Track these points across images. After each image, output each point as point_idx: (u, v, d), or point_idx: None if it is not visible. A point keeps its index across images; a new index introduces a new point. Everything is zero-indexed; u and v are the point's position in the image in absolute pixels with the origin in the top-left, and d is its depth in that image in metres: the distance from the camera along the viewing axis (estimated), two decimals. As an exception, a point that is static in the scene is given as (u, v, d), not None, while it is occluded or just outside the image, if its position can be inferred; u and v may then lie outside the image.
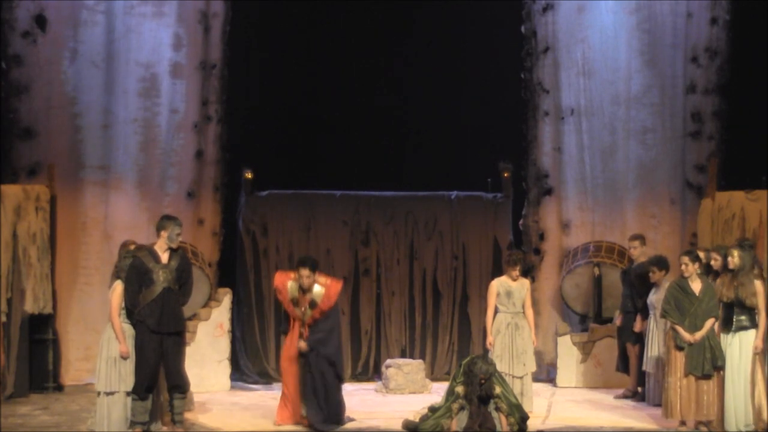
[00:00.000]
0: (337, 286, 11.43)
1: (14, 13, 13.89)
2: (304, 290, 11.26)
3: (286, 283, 11.35)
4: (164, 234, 10.84)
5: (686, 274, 11.21)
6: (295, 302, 11.28)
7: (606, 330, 13.98)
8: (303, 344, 11.25)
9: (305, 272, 11.22)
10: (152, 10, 14.36)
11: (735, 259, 11.12)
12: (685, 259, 11.24)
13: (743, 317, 11.11)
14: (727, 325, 11.16)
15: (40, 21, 13.98)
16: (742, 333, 11.11)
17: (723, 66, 14.77)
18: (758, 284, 11.12)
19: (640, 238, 13.47)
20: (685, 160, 14.86)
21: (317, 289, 11.27)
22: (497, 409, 10.85)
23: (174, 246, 10.86)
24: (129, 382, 10.67)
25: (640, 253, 13.32)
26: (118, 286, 10.75)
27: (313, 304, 11.23)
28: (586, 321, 14.38)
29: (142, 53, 14.35)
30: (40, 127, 14.02)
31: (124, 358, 10.66)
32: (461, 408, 10.87)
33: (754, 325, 11.11)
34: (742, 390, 11.07)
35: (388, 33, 14.92)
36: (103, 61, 14.26)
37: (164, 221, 10.93)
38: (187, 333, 11.39)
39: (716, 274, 11.48)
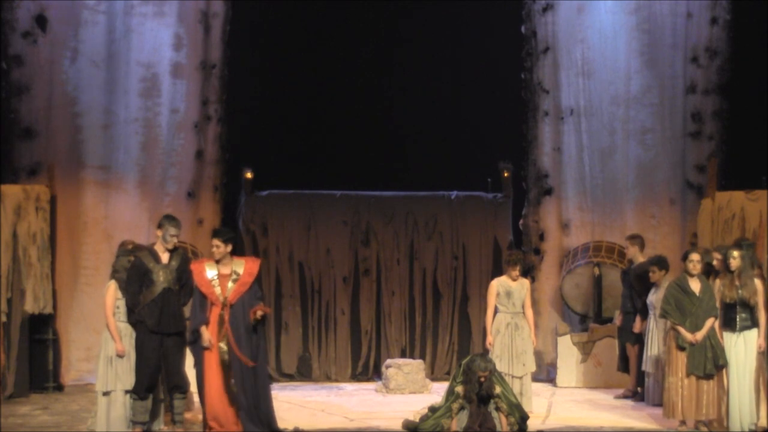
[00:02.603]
0: (256, 260, 10.95)
1: (15, 14, 13.92)
2: (218, 261, 10.62)
3: (203, 264, 10.78)
4: (159, 233, 10.85)
5: (694, 272, 11.19)
6: (215, 282, 10.60)
7: (606, 330, 13.99)
8: (264, 308, 10.55)
9: (216, 242, 10.62)
10: (153, 10, 14.39)
11: (736, 260, 11.12)
12: (696, 257, 11.23)
13: (745, 316, 11.13)
14: (730, 325, 11.16)
15: (41, 21, 14.01)
16: (747, 332, 11.14)
17: (723, 66, 14.77)
18: (758, 283, 11.15)
19: (636, 238, 13.45)
20: (685, 160, 14.86)
21: (237, 261, 10.74)
22: (497, 408, 10.85)
23: (169, 247, 10.85)
24: (126, 381, 10.67)
25: (636, 253, 13.32)
26: (112, 286, 10.75)
27: (235, 277, 10.62)
28: (586, 321, 14.39)
29: (142, 53, 14.37)
30: (41, 127, 14.04)
31: (120, 356, 10.66)
32: (461, 408, 10.87)
33: (755, 323, 11.14)
34: (747, 389, 11.08)
35: (388, 33, 14.92)
36: (103, 61, 14.29)
37: (162, 220, 10.92)
38: (187, 333, 11.36)
39: (717, 273, 11.48)
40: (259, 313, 10.53)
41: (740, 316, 11.14)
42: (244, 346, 10.49)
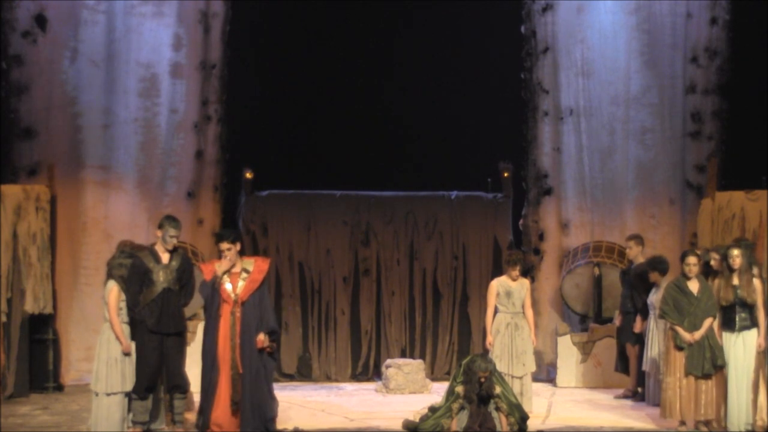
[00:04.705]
0: (266, 259, 10.99)
1: (14, 13, 13.92)
2: (231, 262, 10.64)
3: (214, 264, 10.75)
4: (159, 234, 10.85)
5: (691, 275, 11.19)
6: (226, 279, 10.57)
7: (606, 330, 13.99)
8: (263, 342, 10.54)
9: (225, 245, 10.59)
10: (152, 10, 14.39)
11: (737, 258, 11.12)
12: (693, 260, 11.22)
13: (745, 316, 11.13)
14: (729, 326, 11.16)
15: (41, 21, 14.01)
16: (746, 332, 11.13)
17: (723, 66, 14.78)
18: (757, 282, 11.15)
19: (636, 238, 13.46)
20: (685, 160, 14.87)
21: (247, 260, 10.78)
22: (497, 409, 10.86)
23: (169, 248, 10.84)
24: (129, 383, 10.67)
25: (636, 254, 13.32)
26: (114, 288, 10.72)
27: (245, 275, 10.59)
28: (586, 321, 14.39)
29: (142, 53, 14.38)
30: (40, 127, 14.04)
31: (127, 354, 10.65)
32: (461, 408, 10.87)
33: (754, 323, 11.14)
34: (745, 389, 11.08)
35: (388, 33, 14.93)
36: (103, 60, 14.29)
37: (162, 221, 10.93)
38: (187, 333, 11.37)
39: (716, 274, 11.48)
40: (258, 347, 10.55)
41: (740, 316, 11.14)
42: (254, 345, 10.51)
